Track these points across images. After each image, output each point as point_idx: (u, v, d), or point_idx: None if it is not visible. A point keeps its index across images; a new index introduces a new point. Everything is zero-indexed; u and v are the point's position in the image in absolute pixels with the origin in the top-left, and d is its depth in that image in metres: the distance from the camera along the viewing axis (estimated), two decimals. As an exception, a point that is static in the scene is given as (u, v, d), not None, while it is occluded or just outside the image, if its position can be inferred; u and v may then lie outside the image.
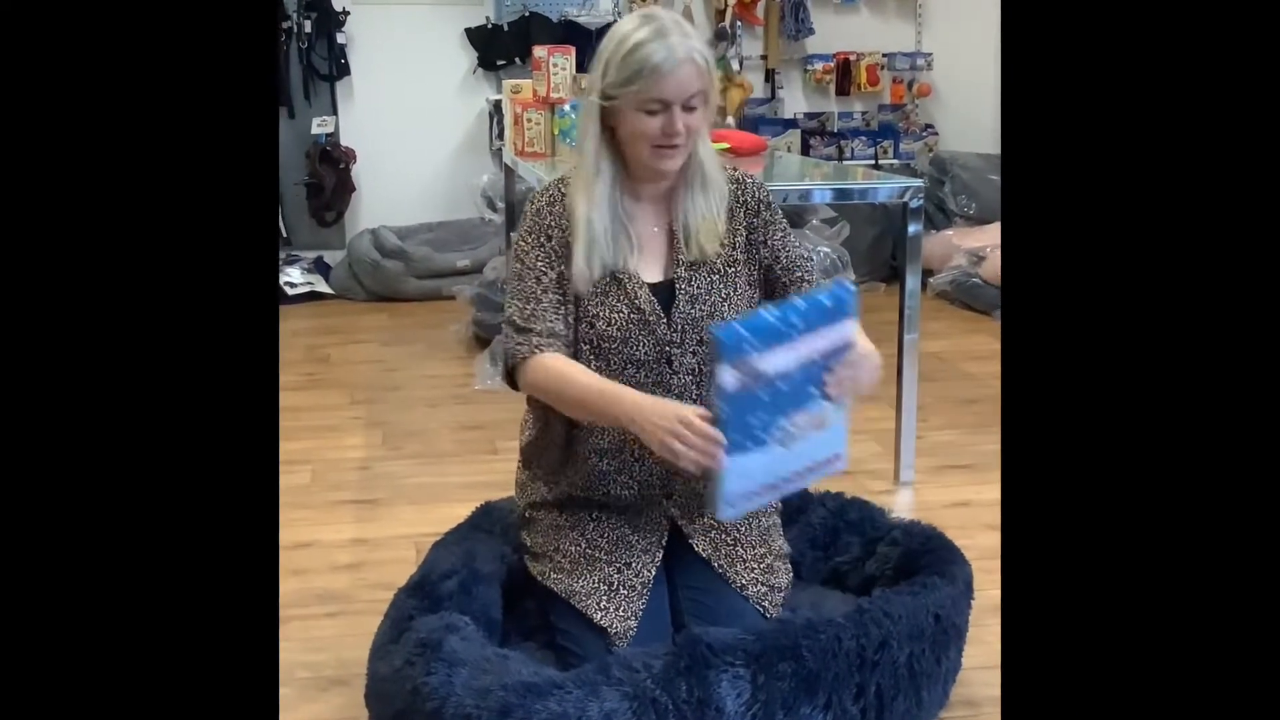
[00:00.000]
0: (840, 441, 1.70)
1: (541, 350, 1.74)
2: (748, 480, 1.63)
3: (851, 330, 1.66)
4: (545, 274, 1.78)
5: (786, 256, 1.85)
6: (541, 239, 1.80)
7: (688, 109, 1.72)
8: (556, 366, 1.74)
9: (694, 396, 1.78)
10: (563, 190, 1.81)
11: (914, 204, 2.88)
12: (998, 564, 1.21)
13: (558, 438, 1.84)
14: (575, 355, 1.78)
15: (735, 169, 1.90)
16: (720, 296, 1.80)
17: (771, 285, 1.85)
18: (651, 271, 1.81)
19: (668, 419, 1.61)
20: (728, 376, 1.56)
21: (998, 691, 1.21)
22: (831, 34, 5.80)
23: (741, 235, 1.84)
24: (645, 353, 1.77)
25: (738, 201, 1.84)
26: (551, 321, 1.76)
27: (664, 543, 1.81)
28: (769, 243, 1.85)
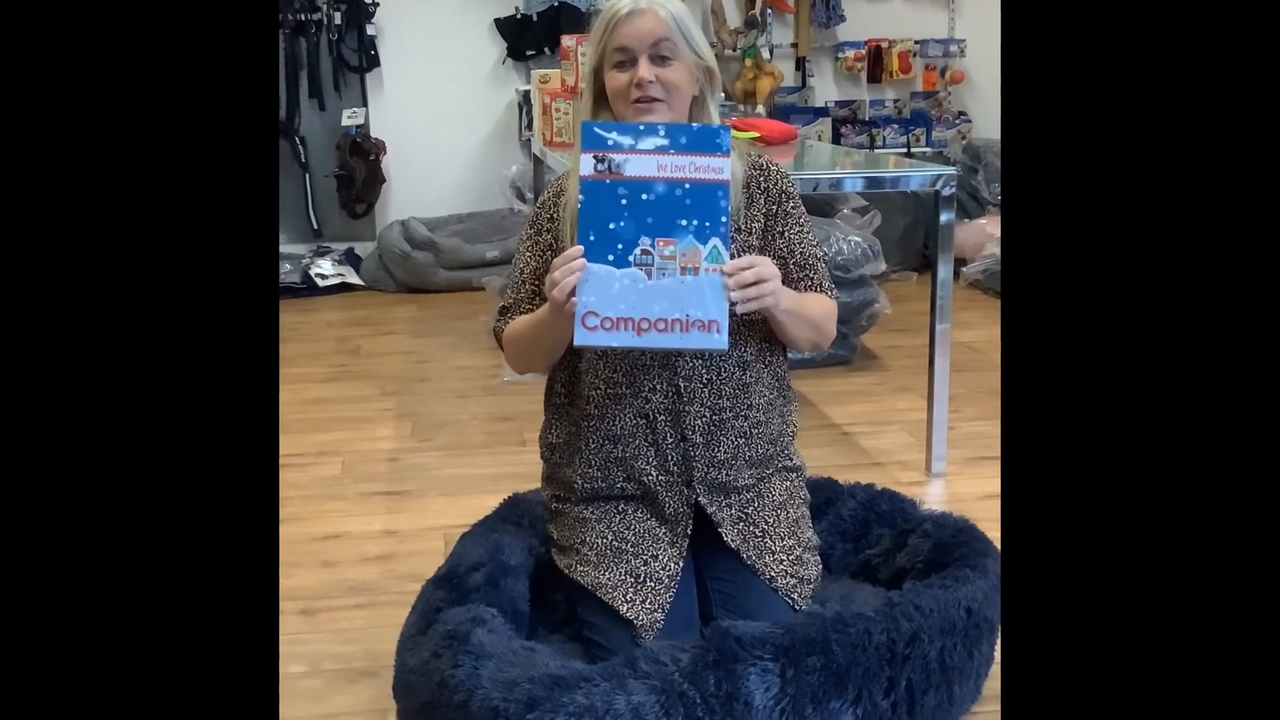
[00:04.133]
0: (718, 311, 1.61)
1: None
2: (607, 301, 1.61)
3: (726, 169, 1.64)
4: (529, 264, 1.84)
5: (801, 252, 1.82)
6: (534, 231, 1.86)
7: (658, 61, 1.73)
8: (513, 324, 1.82)
9: (704, 380, 1.77)
10: (564, 184, 1.83)
11: (946, 193, 2.85)
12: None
13: (569, 428, 1.85)
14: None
15: (762, 156, 1.88)
16: None
17: (782, 280, 1.82)
18: None
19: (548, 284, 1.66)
20: (586, 162, 1.64)
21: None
22: (863, 21, 5.76)
23: (759, 222, 1.82)
24: None
25: (759, 187, 1.82)
26: (526, 309, 1.82)
27: (689, 532, 1.80)
28: (786, 235, 1.82)
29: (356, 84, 5.48)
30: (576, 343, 1.63)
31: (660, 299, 1.61)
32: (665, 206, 1.63)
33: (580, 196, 1.64)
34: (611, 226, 1.62)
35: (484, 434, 3.37)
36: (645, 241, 1.62)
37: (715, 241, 1.62)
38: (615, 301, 1.61)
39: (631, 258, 1.62)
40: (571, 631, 1.84)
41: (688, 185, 1.63)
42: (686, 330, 1.61)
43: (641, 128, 1.66)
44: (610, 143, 1.64)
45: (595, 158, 1.64)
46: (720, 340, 1.61)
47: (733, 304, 1.62)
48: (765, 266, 1.65)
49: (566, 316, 1.64)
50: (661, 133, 1.65)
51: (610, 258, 1.62)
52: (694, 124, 1.72)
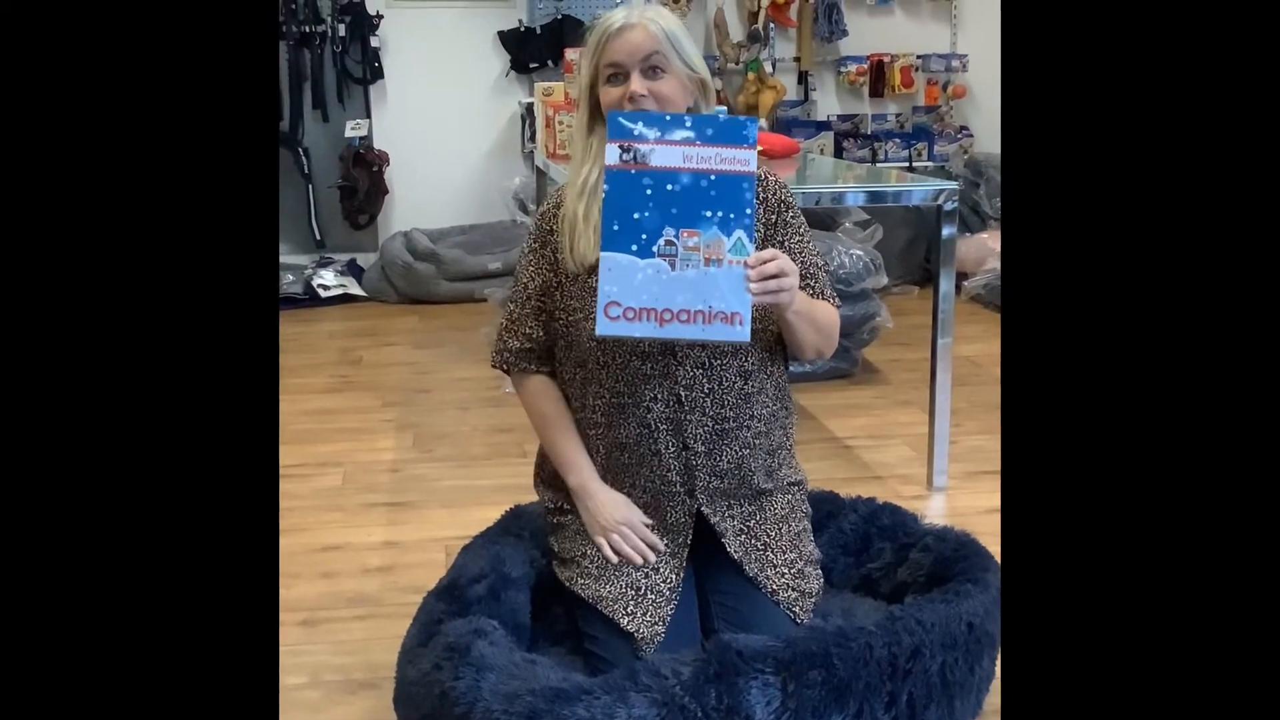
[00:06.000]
0: (741, 303, 1.62)
1: (526, 369, 1.87)
2: (629, 291, 1.61)
3: (753, 161, 1.64)
4: (532, 280, 1.85)
5: (803, 262, 1.82)
6: (536, 245, 1.86)
7: (650, 74, 1.74)
8: (537, 404, 1.87)
9: (705, 390, 1.77)
10: (563, 196, 1.83)
11: (948, 207, 2.86)
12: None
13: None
14: (580, 350, 1.79)
15: (760, 167, 1.88)
16: None
17: None
18: None
19: (609, 518, 1.79)
20: (612, 151, 1.63)
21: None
22: (865, 35, 5.77)
23: (759, 231, 1.81)
24: (649, 345, 1.76)
25: (757, 198, 1.82)
26: (530, 328, 1.85)
27: (689, 543, 1.80)
28: (786, 244, 1.83)
29: (360, 95, 5.50)
30: (598, 332, 1.63)
31: (683, 290, 1.62)
32: (690, 197, 1.63)
33: (605, 186, 1.64)
34: (636, 216, 1.62)
35: (485, 445, 3.37)
36: (669, 232, 1.62)
37: (740, 233, 1.62)
38: (638, 292, 1.61)
39: (655, 248, 1.62)
40: (573, 644, 1.83)
41: (713, 176, 1.63)
42: (709, 322, 1.62)
43: (668, 118, 1.65)
44: (636, 133, 1.64)
45: (621, 147, 1.64)
46: (742, 332, 1.62)
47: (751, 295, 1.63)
48: (786, 261, 1.66)
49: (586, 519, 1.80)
50: (688, 123, 1.65)
51: (634, 248, 1.62)
52: (720, 116, 1.72)
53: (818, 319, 1.79)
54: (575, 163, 1.83)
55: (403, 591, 2.38)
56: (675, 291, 1.62)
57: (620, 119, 1.65)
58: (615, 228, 1.62)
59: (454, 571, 1.91)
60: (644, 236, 1.62)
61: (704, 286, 1.62)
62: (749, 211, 1.63)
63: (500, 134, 5.63)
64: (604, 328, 1.62)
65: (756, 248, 1.79)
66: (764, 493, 1.84)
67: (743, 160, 1.64)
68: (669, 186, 1.63)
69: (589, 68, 1.79)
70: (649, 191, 1.63)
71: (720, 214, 1.62)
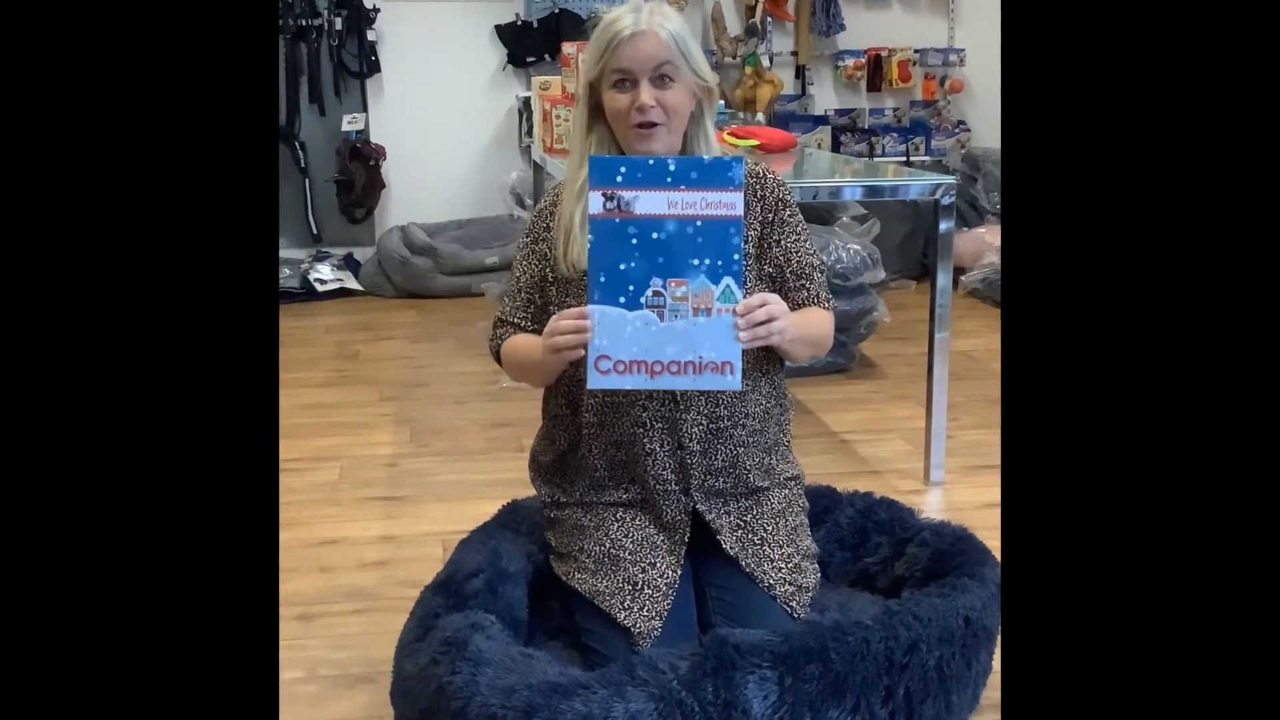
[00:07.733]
0: (731, 352, 1.62)
1: (506, 340, 1.87)
2: (619, 344, 1.61)
3: (739, 204, 1.62)
4: (526, 275, 1.85)
5: (798, 262, 1.82)
6: (531, 241, 1.86)
7: (659, 83, 1.72)
8: (510, 343, 1.85)
9: (700, 392, 1.76)
10: (561, 194, 1.83)
11: (945, 201, 2.86)
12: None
13: (572, 435, 1.85)
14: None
15: (758, 164, 1.88)
16: None
17: (778, 290, 1.81)
18: None
19: (545, 335, 1.69)
20: (595, 199, 1.62)
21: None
22: (863, 29, 5.77)
23: (755, 230, 1.81)
24: None
25: (755, 196, 1.82)
26: (520, 321, 1.85)
27: (686, 539, 1.80)
28: (782, 243, 1.82)
29: (357, 89, 5.48)
30: (590, 385, 1.64)
31: (673, 341, 1.61)
32: (676, 245, 1.61)
33: (590, 236, 1.62)
34: (622, 267, 1.61)
35: (482, 440, 3.37)
36: (657, 283, 1.61)
37: (728, 280, 1.61)
38: (628, 344, 1.61)
39: (643, 299, 1.61)
40: (570, 638, 1.83)
41: (699, 223, 1.61)
42: (700, 372, 1.62)
43: (651, 162, 1.63)
44: (619, 179, 1.62)
45: (604, 195, 1.61)
46: (734, 381, 1.62)
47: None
48: (776, 305, 1.65)
49: (558, 362, 1.68)
50: (672, 167, 1.62)
51: (621, 299, 1.61)
52: (705, 157, 1.69)
53: (810, 337, 1.79)
54: (573, 162, 1.83)
55: (400, 586, 2.38)
56: (665, 343, 1.61)
57: (603, 164, 1.63)
58: (602, 279, 1.61)
59: (451, 566, 1.91)
60: (631, 288, 1.61)
61: (693, 337, 1.61)
62: (736, 257, 1.62)
63: (497, 128, 5.62)
64: (595, 382, 1.63)
65: (753, 248, 1.79)
66: (760, 489, 1.84)
67: (728, 204, 1.61)
68: (654, 235, 1.61)
69: (593, 67, 1.76)
70: (634, 240, 1.61)
71: (707, 261, 1.61)
